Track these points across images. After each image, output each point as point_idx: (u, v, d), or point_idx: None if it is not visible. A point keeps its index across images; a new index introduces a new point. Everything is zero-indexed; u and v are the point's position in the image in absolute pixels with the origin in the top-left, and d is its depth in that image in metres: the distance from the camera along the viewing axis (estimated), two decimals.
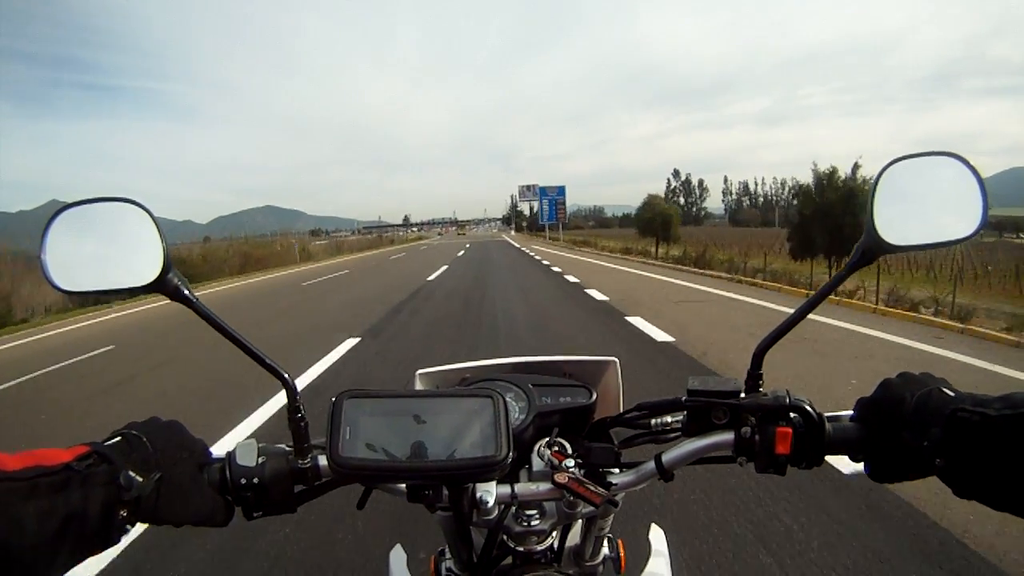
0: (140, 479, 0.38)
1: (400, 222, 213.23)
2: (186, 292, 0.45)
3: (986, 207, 0.41)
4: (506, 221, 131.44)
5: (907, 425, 0.39)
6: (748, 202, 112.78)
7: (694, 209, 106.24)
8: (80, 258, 0.45)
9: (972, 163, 0.42)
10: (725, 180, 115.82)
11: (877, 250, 0.44)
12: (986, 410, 0.35)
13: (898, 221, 0.43)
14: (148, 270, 0.44)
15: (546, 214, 45.32)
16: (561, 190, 46.85)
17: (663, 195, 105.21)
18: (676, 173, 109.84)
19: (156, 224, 0.45)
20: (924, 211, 0.44)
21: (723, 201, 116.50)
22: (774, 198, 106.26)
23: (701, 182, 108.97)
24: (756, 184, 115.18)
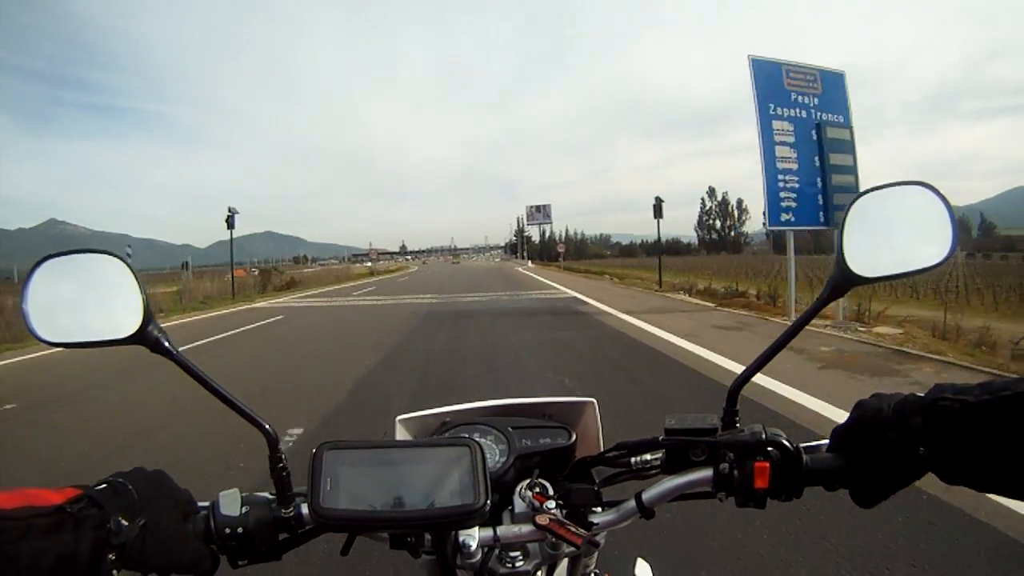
0: (127, 523, 0.42)
1: (397, 250, 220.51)
2: (167, 344, 0.51)
3: (956, 234, 0.46)
4: (511, 249, 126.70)
5: (889, 426, 0.44)
6: None
7: (732, 233, 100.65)
8: (62, 309, 0.50)
9: (941, 191, 0.47)
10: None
11: (847, 283, 0.49)
12: (966, 397, 0.40)
13: (868, 252, 0.48)
14: (128, 322, 0.49)
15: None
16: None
17: (697, 218, 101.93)
18: (711, 192, 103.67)
19: (136, 277, 0.50)
20: (894, 241, 0.48)
21: (763, 224, 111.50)
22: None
23: (740, 202, 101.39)
24: None
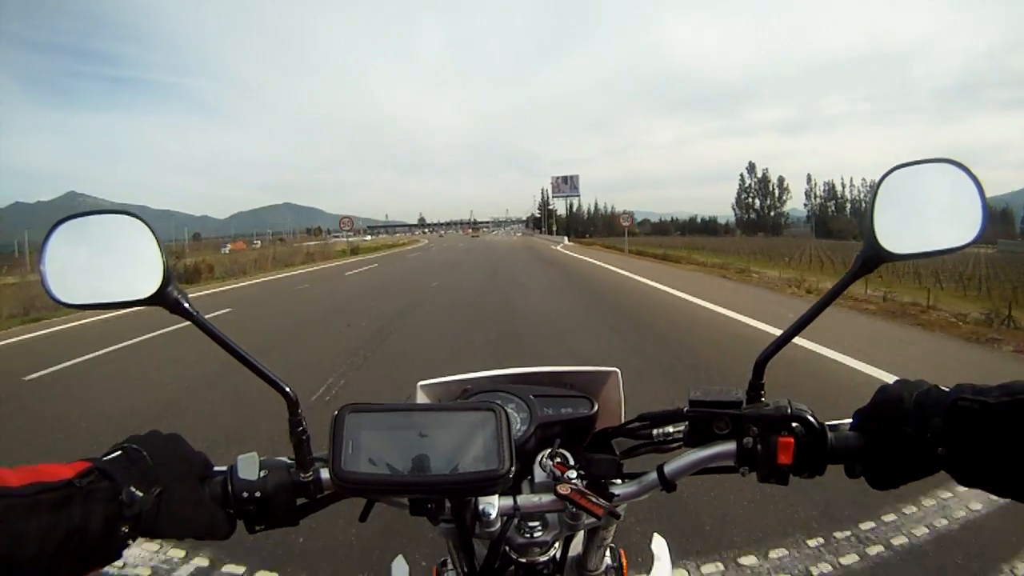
0: (141, 494, 0.43)
1: (415, 222, 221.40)
2: (186, 305, 0.51)
3: (986, 214, 0.46)
4: (535, 223, 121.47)
5: (909, 420, 0.45)
6: (834, 207, 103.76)
7: (772, 213, 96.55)
8: (80, 271, 0.50)
9: (972, 170, 0.47)
10: (809, 179, 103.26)
11: (877, 259, 0.49)
12: (986, 398, 0.41)
13: (898, 229, 0.49)
14: (148, 283, 0.50)
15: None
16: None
17: (735, 196, 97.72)
18: (751, 168, 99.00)
19: (156, 237, 0.51)
20: (924, 219, 0.49)
21: (805, 205, 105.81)
22: (861, 203, 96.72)
23: (782, 180, 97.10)
24: (843, 186, 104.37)
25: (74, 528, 0.39)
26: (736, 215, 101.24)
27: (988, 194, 0.46)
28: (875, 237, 0.49)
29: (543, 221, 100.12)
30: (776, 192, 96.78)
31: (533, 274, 14.83)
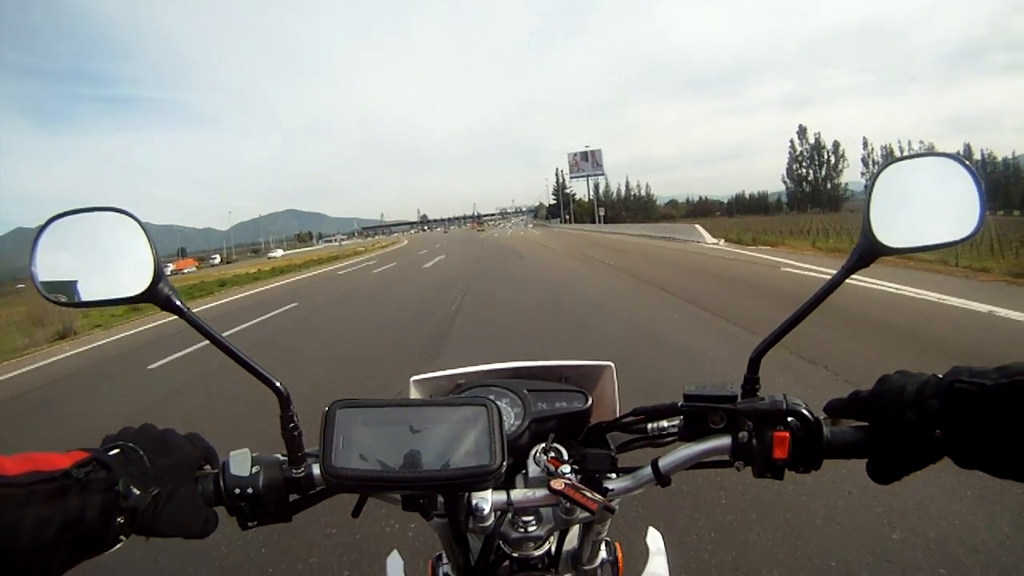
0: (138, 492, 0.47)
1: (416, 219, 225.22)
2: (177, 302, 0.56)
3: (984, 208, 0.50)
4: (551, 212, 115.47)
5: (908, 406, 0.49)
6: None
7: (828, 185, 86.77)
8: (70, 269, 0.54)
9: (969, 164, 0.51)
10: (865, 144, 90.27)
11: (874, 252, 0.53)
12: (983, 380, 0.45)
13: (895, 223, 0.53)
14: (139, 280, 0.53)
15: None
16: None
17: (786, 166, 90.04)
18: (802, 132, 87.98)
19: (146, 233, 0.55)
20: (921, 213, 0.53)
21: (863, 174, 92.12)
22: None
23: (837, 146, 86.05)
24: (902, 150, 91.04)
25: (70, 518, 0.42)
26: (787, 188, 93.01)
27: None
28: (872, 231, 0.53)
29: (560, 208, 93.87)
30: (832, 160, 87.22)
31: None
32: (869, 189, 0.54)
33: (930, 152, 0.53)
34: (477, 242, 40.07)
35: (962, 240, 0.51)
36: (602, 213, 63.93)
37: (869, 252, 0.53)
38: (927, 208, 0.53)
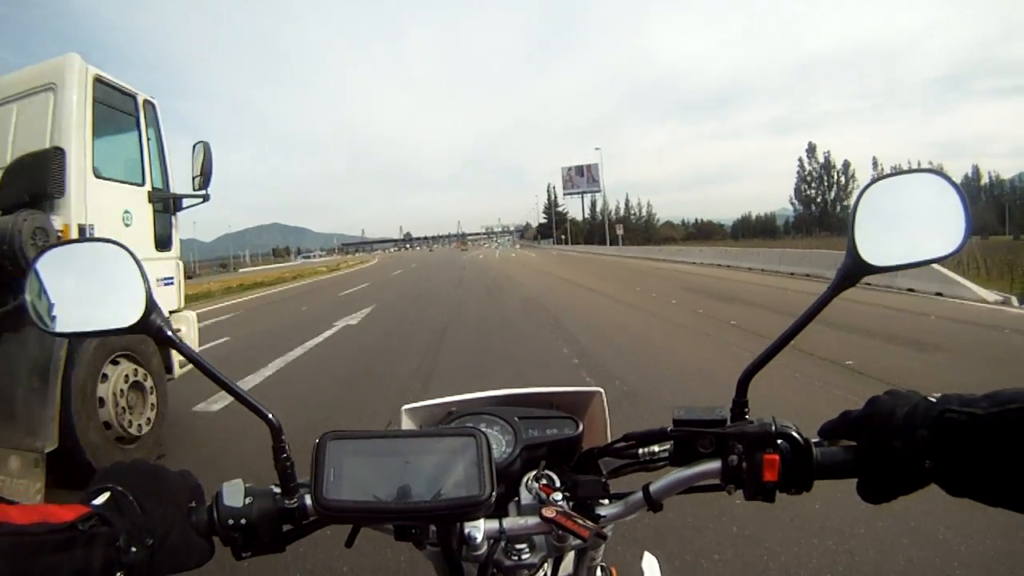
0: (135, 549, 0.49)
1: (400, 237, 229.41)
2: (169, 333, 0.59)
3: (969, 223, 0.53)
4: (541, 233, 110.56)
5: (897, 433, 0.50)
6: None
7: (838, 207, 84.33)
8: (64, 299, 0.58)
9: (952, 179, 0.53)
10: (875, 164, 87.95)
11: (859, 272, 0.56)
12: (973, 409, 0.46)
13: (880, 241, 0.55)
14: (131, 311, 0.56)
15: None
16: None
17: (794, 187, 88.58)
18: (811, 150, 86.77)
19: (139, 265, 0.58)
20: (906, 230, 0.55)
21: None
22: None
23: (848, 166, 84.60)
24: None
25: (76, 570, 0.45)
26: (795, 209, 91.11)
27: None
28: (856, 250, 0.55)
29: (552, 227, 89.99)
30: (842, 180, 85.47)
31: None
32: (854, 208, 0.56)
33: (915, 169, 0.55)
34: (456, 265, 34.52)
35: (946, 256, 0.53)
36: (620, 232, 55.47)
37: (854, 271, 0.55)
38: (912, 225, 0.55)
